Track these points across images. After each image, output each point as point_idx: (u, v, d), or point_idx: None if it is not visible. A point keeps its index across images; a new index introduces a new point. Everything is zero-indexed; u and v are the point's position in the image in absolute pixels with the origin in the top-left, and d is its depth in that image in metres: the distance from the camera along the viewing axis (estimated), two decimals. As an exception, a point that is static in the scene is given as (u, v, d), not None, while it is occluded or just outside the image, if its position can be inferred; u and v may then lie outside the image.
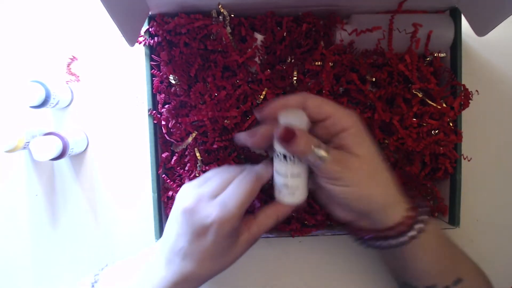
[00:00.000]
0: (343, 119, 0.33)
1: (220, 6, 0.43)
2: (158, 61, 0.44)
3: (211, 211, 0.32)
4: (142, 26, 0.42)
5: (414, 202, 0.36)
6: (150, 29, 0.44)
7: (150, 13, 0.43)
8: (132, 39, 0.39)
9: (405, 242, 0.34)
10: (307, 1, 0.43)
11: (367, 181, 0.32)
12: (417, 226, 0.34)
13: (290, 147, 0.32)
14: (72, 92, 0.51)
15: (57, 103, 0.48)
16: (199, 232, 0.33)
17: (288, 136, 0.31)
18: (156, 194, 0.45)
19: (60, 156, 0.46)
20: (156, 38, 0.44)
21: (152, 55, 0.44)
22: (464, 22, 0.44)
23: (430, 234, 0.35)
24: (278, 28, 0.46)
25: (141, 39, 0.44)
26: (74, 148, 0.49)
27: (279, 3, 0.42)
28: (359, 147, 0.32)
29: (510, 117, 0.54)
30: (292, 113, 0.33)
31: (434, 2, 0.45)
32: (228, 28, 0.44)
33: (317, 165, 0.32)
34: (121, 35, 0.36)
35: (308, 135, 0.32)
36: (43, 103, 0.46)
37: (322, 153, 0.31)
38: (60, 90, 0.48)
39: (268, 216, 0.35)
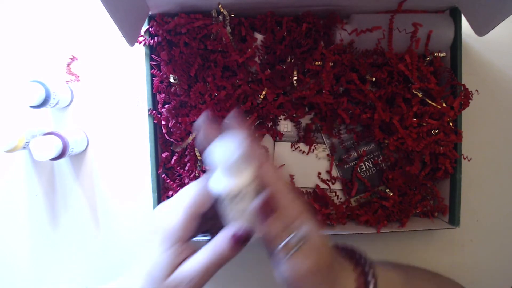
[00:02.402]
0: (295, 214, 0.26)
1: (220, 6, 0.43)
2: (158, 61, 0.44)
3: None
4: (142, 26, 0.42)
5: (355, 262, 0.30)
6: (150, 29, 0.44)
7: (150, 13, 0.43)
8: (132, 39, 0.39)
9: None
10: (307, 1, 0.43)
11: None
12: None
13: (265, 226, 0.25)
14: (72, 92, 0.51)
15: (57, 103, 0.48)
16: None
17: (268, 209, 0.25)
18: (156, 194, 0.45)
19: (60, 156, 0.46)
20: (156, 38, 0.44)
21: (152, 55, 0.44)
22: (464, 22, 0.44)
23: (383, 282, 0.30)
24: (278, 28, 0.46)
25: (141, 39, 0.44)
26: (74, 148, 0.49)
27: (279, 3, 0.42)
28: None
29: (510, 117, 0.54)
30: (231, 140, 0.26)
31: (434, 2, 0.45)
32: (228, 28, 0.44)
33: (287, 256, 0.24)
34: (121, 35, 0.36)
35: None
36: (43, 103, 0.46)
37: (304, 231, 0.24)
38: (60, 90, 0.48)
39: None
